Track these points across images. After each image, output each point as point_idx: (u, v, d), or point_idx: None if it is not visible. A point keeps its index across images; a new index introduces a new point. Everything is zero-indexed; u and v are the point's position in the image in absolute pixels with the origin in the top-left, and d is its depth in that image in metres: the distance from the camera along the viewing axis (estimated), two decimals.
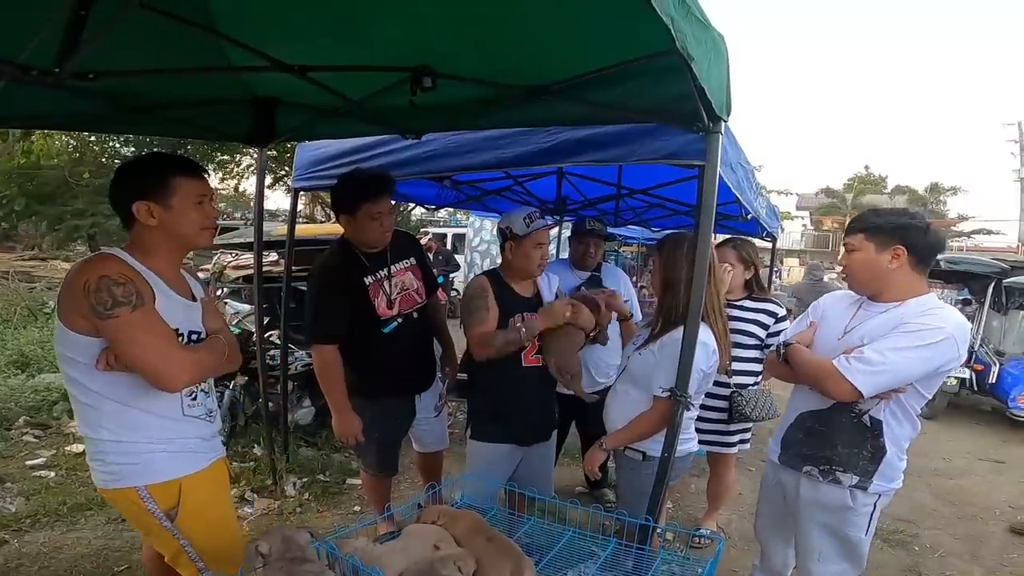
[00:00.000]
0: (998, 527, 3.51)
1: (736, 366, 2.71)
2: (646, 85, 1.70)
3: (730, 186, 2.21)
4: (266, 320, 3.46)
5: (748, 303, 2.80)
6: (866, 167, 42.54)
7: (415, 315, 2.44)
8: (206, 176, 1.57)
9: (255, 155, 3.39)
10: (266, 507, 3.29)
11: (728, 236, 3.00)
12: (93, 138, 16.45)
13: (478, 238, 13.59)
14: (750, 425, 2.87)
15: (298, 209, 3.66)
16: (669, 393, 1.81)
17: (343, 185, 2.31)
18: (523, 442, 2.29)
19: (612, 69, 1.66)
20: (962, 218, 34.01)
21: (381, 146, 2.68)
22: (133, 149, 17.39)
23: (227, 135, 2.91)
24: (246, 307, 4.77)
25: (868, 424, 1.69)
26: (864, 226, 1.70)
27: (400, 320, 2.37)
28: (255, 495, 3.39)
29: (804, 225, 39.26)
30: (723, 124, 1.63)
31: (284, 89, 2.36)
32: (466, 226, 14.30)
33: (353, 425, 2.35)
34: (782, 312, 2.78)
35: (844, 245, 1.75)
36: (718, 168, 1.62)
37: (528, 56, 1.78)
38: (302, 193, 3.54)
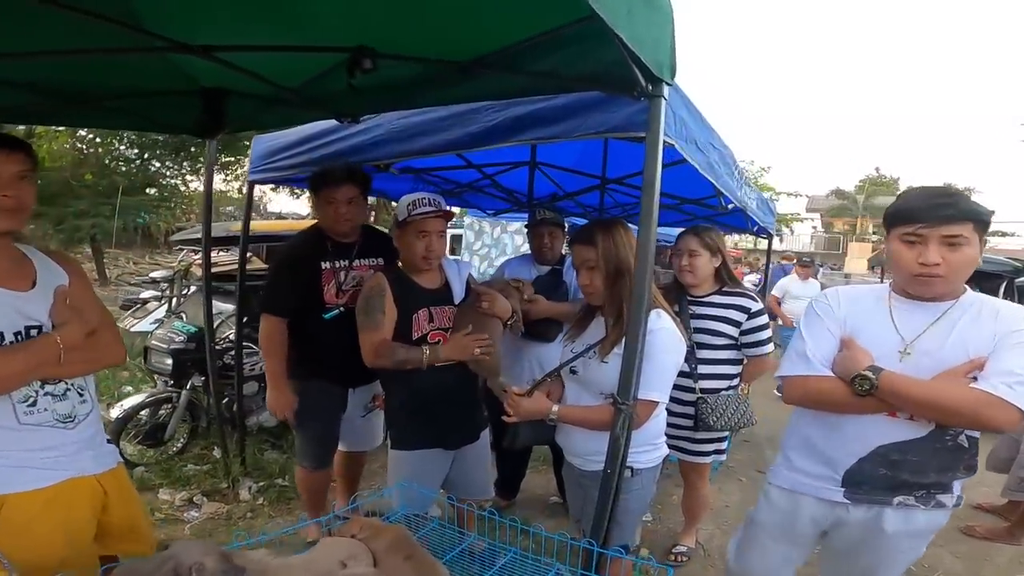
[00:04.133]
0: (1004, 545, 3.25)
1: (704, 369, 2.49)
2: (580, 51, 1.54)
3: (698, 168, 2.00)
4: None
5: (717, 298, 2.54)
6: (877, 169, 42.18)
7: None
8: (9, 150, 1.32)
9: None
10: (214, 511, 3.15)
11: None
12: (99, 139, 16.55)
13: (479, 242, 13.30)
14: (726, 434, 2.63)
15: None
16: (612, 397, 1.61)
17: (310, 176, 2.42)
18: (449, 445, 2.13)
19: (541, 37, 1.53)
20: None
21: (330, 134, 2.55)
22: (137, 151, 17.51)
23: (174, 127, 2.81)
24: (229, 307, 4.64)
25: (966, 445, 1.49)
26: (972, 215, 1.37)
27: (343, 309, 2.35)
28: (204, 498, 3.26)
29: (814, 227, 38.79)
30: (665, 87, 1.43)
31: (231, 80, 2.22)
32: (463, 227, 14.09)
33: (286, 398, 2.39)
34: (756, 306, 2.51)
35: (945, 239, 1.37)
36: (661, 136, 1.42)
37: (461, 28, 1.63)
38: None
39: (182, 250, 4.92)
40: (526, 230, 3.00)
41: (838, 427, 1.53)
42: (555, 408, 1.78)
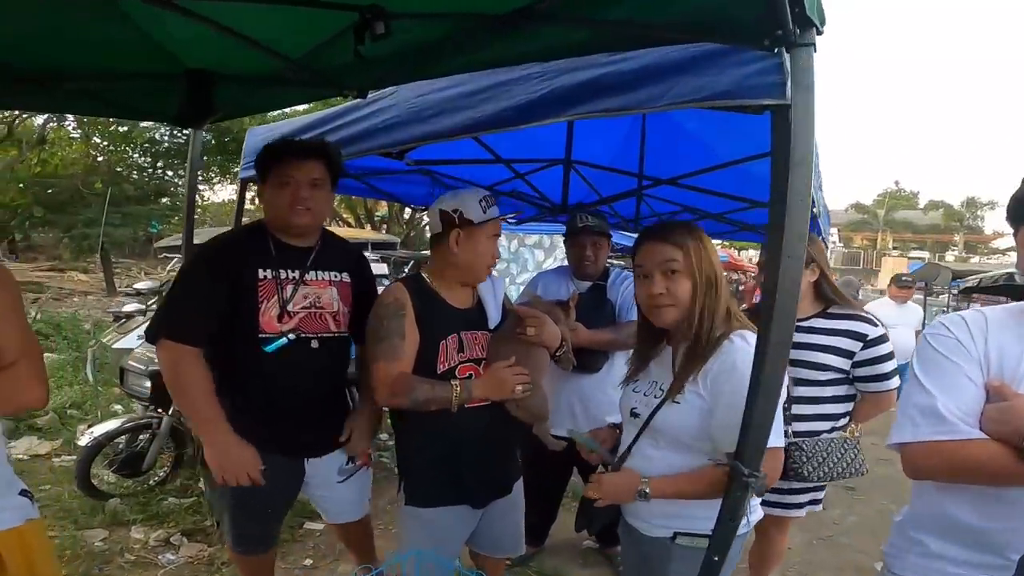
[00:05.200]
0: None
1: (801, 408, 2.03)
2: None
3: None
4: None
5: (820, 322, 2.08)
6: (896, 182, 41.72)
7: (316, 344, 1.78)
8: None
9: None
10: (194, 554, 2.77)
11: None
12: (112, 148, 16.45)
13: None
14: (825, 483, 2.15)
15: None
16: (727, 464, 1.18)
17: (260, 150, 1.84)
18: (476, 502, 1.72)
19: None
20: (998, 234, 32.80)
21: (334, 120, 2.11)
22: (149, 159, 17.39)
23: (151, 114, 2.49)
24: None
25: None
26: None
27: (290, 340, 1.73)
28: (184, 538, 2.89)
29: (833, 242, 38.08)
30: (815, 34, 0.99)
31: (219, 57, 1.91)
32: None
33: (244, 455, 1.68)
34: (875, 331, 2.04)
35: None
36: (814, 100, 0.97)
37: None
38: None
39: (171, 259, 4.54)
40: (563, 240, 2.57)
41: (1004, 501, 1.08)
42: (645, 480, 1.34)
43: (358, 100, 1.98)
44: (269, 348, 1.71)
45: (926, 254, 35.95)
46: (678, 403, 1.33)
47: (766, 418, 1.08)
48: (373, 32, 1.38)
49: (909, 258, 28.24)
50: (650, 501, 1.35)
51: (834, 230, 38.70)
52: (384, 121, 1.86)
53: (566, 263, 2.61)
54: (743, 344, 1.28)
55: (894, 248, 37.66)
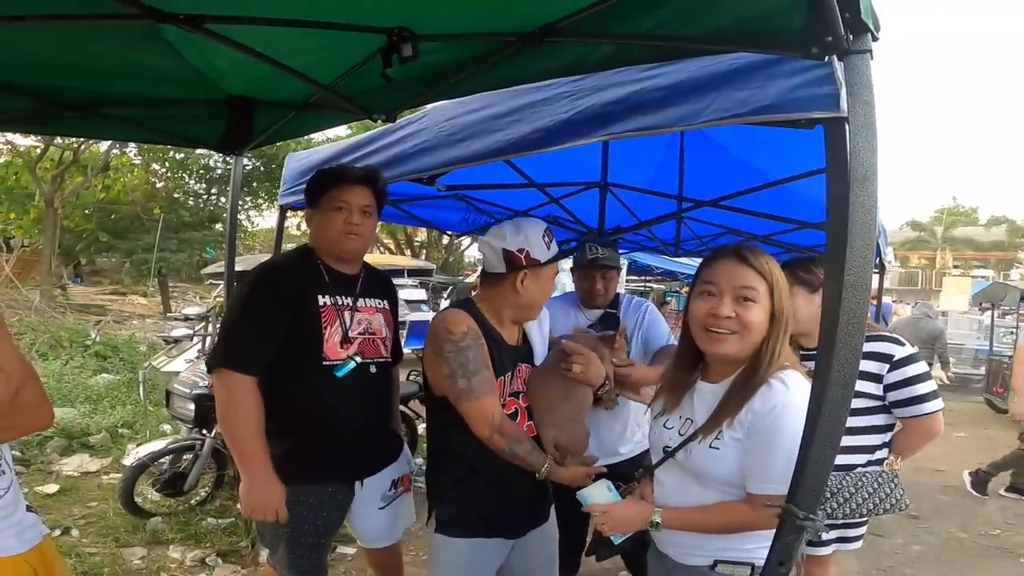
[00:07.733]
0: None
1: None
2: None
3: None
4: None
5: None
6: (953, 198, 39.75)
7: (374, 368, 1.80)
8: None
9: None
10: (227, 575, 2.81)
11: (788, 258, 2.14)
12: (169, 174, 17.30)
13: None
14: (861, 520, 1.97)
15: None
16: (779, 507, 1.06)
17: (313, 175, 1.88)
18: (510, 533, 1.66)
19: None
20: None
21: (366, 145, 2.13)
22: (204, 186, 18.22)
23: (193, 140, 2.52)
24: None
25: None
26: None
27: (356, 364, 1.73)
28: (219, 559, 2.91)
29: (889, 261, 36.36)
30: (870, 40, 0.90)
31: (258, 83, 1.96)
32: None
33: (274, 490, 1.66)
34: (902, 351, 1.87)
35: None
36: (875, 111, 0.87)
37: None
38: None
39: (217, 285, 4.69)
40: (572, 268, 2.47)
41: None
42: (658, 512, 1.30)
43: (390, 124, 1.98)
44: (340, 373, 1.72)
45: (990, 272, 33.90)
46: (716, 448, 1.23)
47: (825, 460, 0.98)
48: (400, 54, 1.39)
49: (972, 277, 26.63)
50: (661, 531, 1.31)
51: (889, 249, 36.90)
52: (415, 146, 1.86)
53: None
54: (781, 388, 1.19)
55: (955, 267, 35.76)
